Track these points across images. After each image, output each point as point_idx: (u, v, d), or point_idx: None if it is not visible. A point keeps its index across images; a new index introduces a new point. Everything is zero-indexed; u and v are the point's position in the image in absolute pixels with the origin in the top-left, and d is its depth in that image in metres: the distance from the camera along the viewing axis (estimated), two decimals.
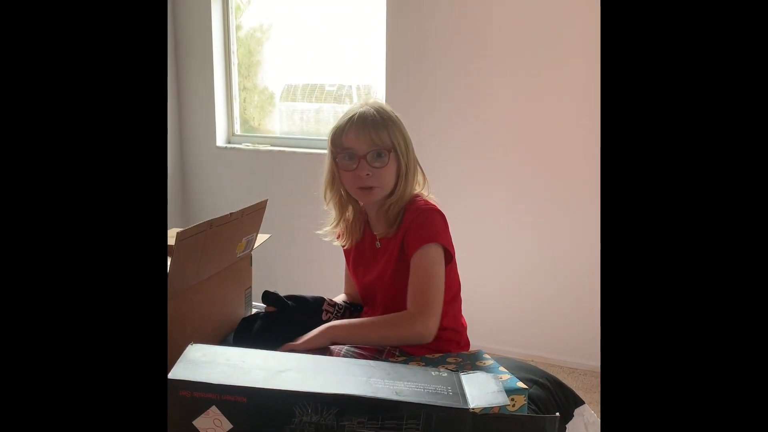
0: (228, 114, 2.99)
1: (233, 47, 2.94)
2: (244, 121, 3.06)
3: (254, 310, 1.58)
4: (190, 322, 1.29)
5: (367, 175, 1.18)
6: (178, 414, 0.69)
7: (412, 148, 1.24)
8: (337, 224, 1.33)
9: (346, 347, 1.19)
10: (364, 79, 2.82)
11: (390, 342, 1.15)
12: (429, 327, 1.11)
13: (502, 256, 2.46)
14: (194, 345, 0.79)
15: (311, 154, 2.71)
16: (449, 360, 1.14)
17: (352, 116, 1.19)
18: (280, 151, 2.82)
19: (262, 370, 0.73)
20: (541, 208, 2.37)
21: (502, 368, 1.09)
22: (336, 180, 1.26)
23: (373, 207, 1.28)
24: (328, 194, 1.30)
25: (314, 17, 2.83)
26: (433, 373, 0.78)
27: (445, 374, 0.78)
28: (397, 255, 1.22)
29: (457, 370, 1.10)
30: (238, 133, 3.02)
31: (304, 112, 3.01)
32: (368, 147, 1.17)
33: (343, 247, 1.36)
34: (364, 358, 1.15)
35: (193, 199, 3.05)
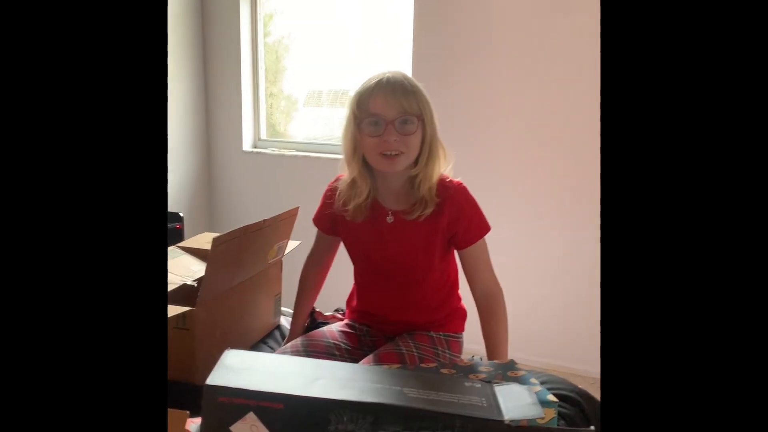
0: (255, 119, 3.03)
1: (261, 53, 2.98)
2: (270, 126, 3.09)
3: (282, 318, 1.60)
4: (220, 326, 1.31)
5: (394, 140, 1.14)
6: (215, 419, 0.70)
7: (436, 123, 1.19)
8: (353, 194, 1.25)
9: (372, 360, 1.19)
10: None
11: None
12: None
13: (517, 259, 2.44)
14: (231, 351, 0.80)
15: (336, 159, 2.72)
16: (480, 369, 1.13)
17: (380, 80, 1.15)
18: (305, 156, 2.84)
19: (299, 377, 0.74)
20: (573, 209, 2.36)
21: (533, 379, 1.08)
22: (358, 148, 1.19)
23: (394, 180, 1.22)
24: (350, 163, 1.23)
25: (340, 22, 2.85)
26: (466, 383, 0.79)
27: (479, 385, 0.79)
28: (437, 242, 1.22)
29: (489, 380, 1.10)
30: (264, 137, 3.05)
31: (329, 117, 3.03)
32: (397, 113, 1.13)
33: (345, 214, 1.26)
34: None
35: (219, 203, 3.09)
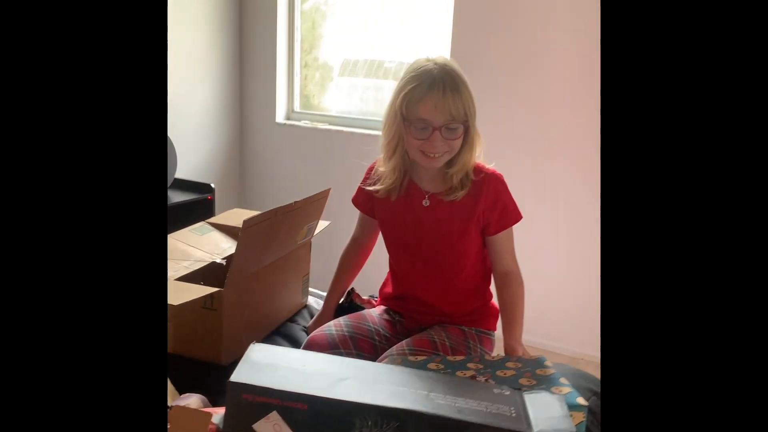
0: (289, 89, 3.00)
1: (297, 23, 2.93)
2: (304, 98, 3.06)
3: (310, 297, 1.59)
4: (248, 307, 1.30)
5: (440, 144, 1.16)
6: (239, 417, 0.69)
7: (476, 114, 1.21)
8: (388, 176, 1.27)
9: (406, 346, 1.19)
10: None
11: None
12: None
13: (546, 248, 2.39)
14: (256, 345, 0.79)
15: (369, 135, 2.69)
16: (508, 365, 1.11)
17: (431, 81, 1.13)
18: (338, 130, 2.80)
19: (323, 376, 0.73)
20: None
21: (563, 379, 1.05)
22: (401, 143, 1.21)
23: (429, 170, 1.24)
24: (389, 155, 1.24)
25: None
26: (495, 390, 0.76)
27: (508, 392, 0.76)
28: (471, 226, 1.24)
29: (516, 376, 1.08)
30: (298, 109, 3.02)
31: (365, 89, 2.97)
32: (445, 120, 1.14)
33: (377, 194, 1.29)
34: (423, 355, 1.16)
35: (251, 174, 3.08)
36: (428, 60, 1.18)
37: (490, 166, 1.27)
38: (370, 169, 1.35)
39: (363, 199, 1.36)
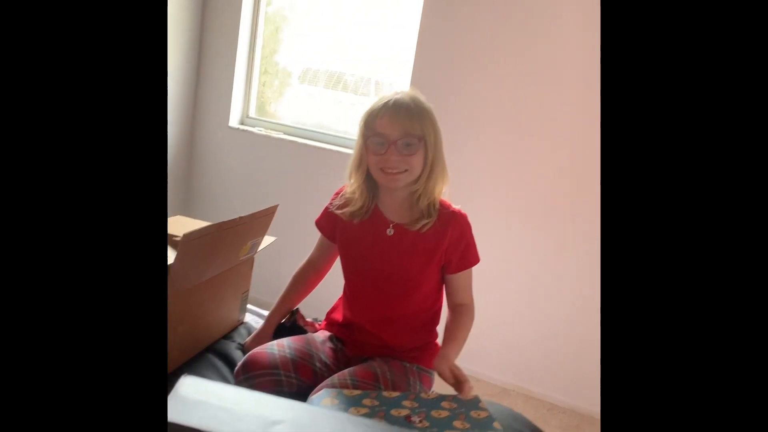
0: (246, 94, 2.93)
1: (260, 28, 2.88)
2: (260, 105, 3.00)
3: (247, 315, 1.55)
4: (183, 322, 1.25)
5: (396, 159, 1.19)
6: None
7: (441, 143, 1.25)
8: (354, 198, 1.30)
9: (348, 375, 1.17)
10: (386, 75, 2.76)
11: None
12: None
13: (488, 277, 2.42)
14: (187, 378, 0.75)
15: (324, 149, 2.66)
16: (444, 405, 1.10)
17: (388, 102, 1.20)
18: (292, 141, 2.76)
19: (256, 419, 0.70)
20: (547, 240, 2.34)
21: (496, 423, 1.05)
22: (363, 162, 1.25)
23: (396, 194, 1.27)
24: (354, 175, 1.29)
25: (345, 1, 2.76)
26: None
27: None
28: (433, 260, 1.26)
29: (451, 418, 1.07)
30: (253, 115, 2.96)
31: (322, 101, 2.94)
32: (400, 134, 1.18)
33: (342, 215, 1.32)
34: (366, 388, 1.14)
35: (198, 178, 2.98)
36: (397, 92, 1.23)
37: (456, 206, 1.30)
38: (338, 192, 1.36)
39: (326, 223, 1.37)
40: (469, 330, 1.29)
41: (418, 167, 1.21)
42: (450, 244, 1.25)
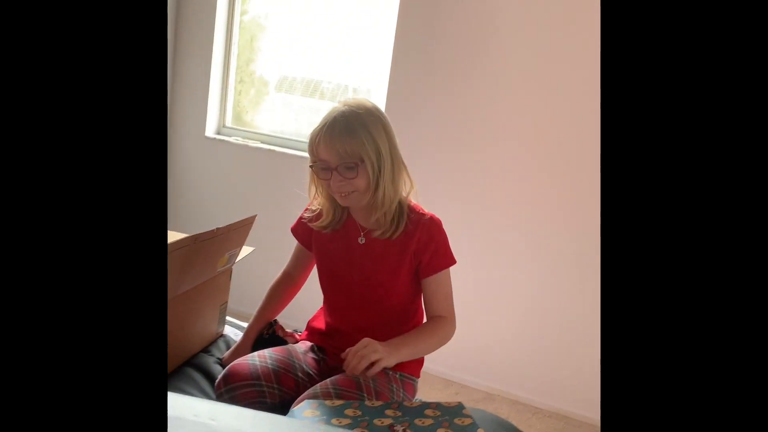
0: (221, 103, 2.90)
1: (235, 37, 2.86)
2: (236, 113, 2.97)
3: (226, 327, 1.52)
4: None
5: (341, 183, 1.19)
6: None
7: (394, 151, 1.22)
8: (321, 213, 1.31)
9: (330, 384, 1.16)
10: (363, 82, 2.75)
11: (436, 348, 1.26)
12: (455, 328, 1.29)
13: (469, 283, 2.42)
14: None
15: (302, 157, 2.64)
16: (427, 412, 1.09)
17: (323, 126, 1.19)
18: (270, 149, 2.74)
19: None
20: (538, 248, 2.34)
21: (480, 430, 1.04)
22: (320, 184, 1.27)
23: (361, 208, 1.27)
24: (312, 190, 1.31)
25: (320, 7, 2.75)
26: None
27: None
28: (404, 267, 1.25)
29: (435, 426, 1.06)
30: (229, 125, 2.93)
31: (300, 109, 2.92)
32: (337, 159, 1.17)
33: (316, 226, 1.31)
34: (348, 397, 1.13)
35: (174, 189, 2.94)
36: (344, 104, 1.21)
37: (428, 209, 1.29)
38: (310, 204, 1.35)
39: (302, 230, 1.36)
40: (432, 340, 1.25)
41: (364, 185, 1.19)
42: (417, 247, 1.24)
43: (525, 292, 2.37)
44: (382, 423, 1.03)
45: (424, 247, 1.24)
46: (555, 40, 2.18)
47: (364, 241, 1.27)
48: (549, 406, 2.38)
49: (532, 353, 2.39)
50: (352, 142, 1.16)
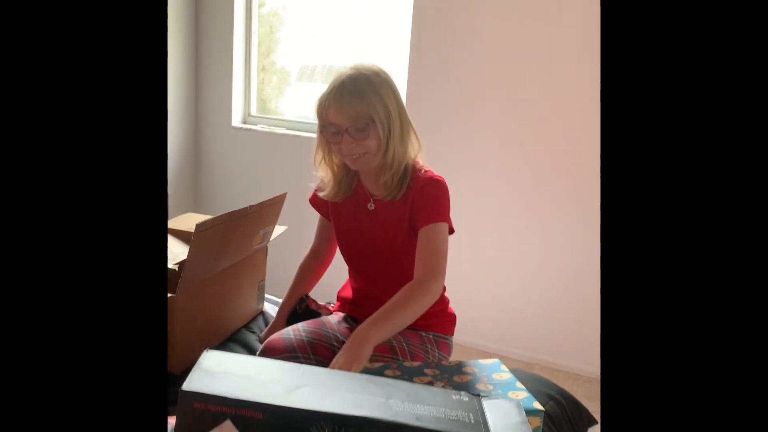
0: (246, 93, 2.95)
1: (255, 26, 2.90)
2: (261, 102, 3.02)
3: (266, 304, 1.56)
4: (201, 312, 1.27)
5: (352, 146, 1.19)
6: (190, 426, 0.67)
7: (402, 111, 1.22)
8: (329, 183, 1.32)
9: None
10: (383, 63, 2.75)
11: (419, 314, 1.14)
12: (440, 287, 1.17)
13: (503, 253, 2.42)
14: (208, 352, 0.76)
15: None
16: (465, 370, 1.11)
17: (332, 90, 1.19)
18: (295, 135, 2.78)
19: (278, 384, 0.71)
20: (549, 206, 2.34)
21: (519, 384, 1.06)
22: (326, 148, 1.27)
23: (370, 172, 1.27)
24: (318, 157, 1.31)
25: None
26: (453, 396, 0.76)
27: (466, 399, 0.76)
28: (407, 225, 1.24)
29: (473, 381, 1.08)
30: (255, 113, 2.98)
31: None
32: (348, 122, 1.17)
33: (325, 197, 1.33)
34: (381, 361, 1.14)
35: (205, 179, 3.02)
36: (351, 67, 1.21)
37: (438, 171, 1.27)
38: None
39: (319, 199, 1.38)
40: (406, 313, 1.12)
41: (375, 145, 1.19)
42: (413, 203, 1.23)
43: (562, 262, 2.37)
44: (421, 381, 1.05)
45: (417, 202, 1.22)
46: (575, 20, 2.16)
47: (373, 207, 1.28)
48: (589, 372, 2.38)
49: (570, 320, 2.39)
50: (362, 103, 1.16)
